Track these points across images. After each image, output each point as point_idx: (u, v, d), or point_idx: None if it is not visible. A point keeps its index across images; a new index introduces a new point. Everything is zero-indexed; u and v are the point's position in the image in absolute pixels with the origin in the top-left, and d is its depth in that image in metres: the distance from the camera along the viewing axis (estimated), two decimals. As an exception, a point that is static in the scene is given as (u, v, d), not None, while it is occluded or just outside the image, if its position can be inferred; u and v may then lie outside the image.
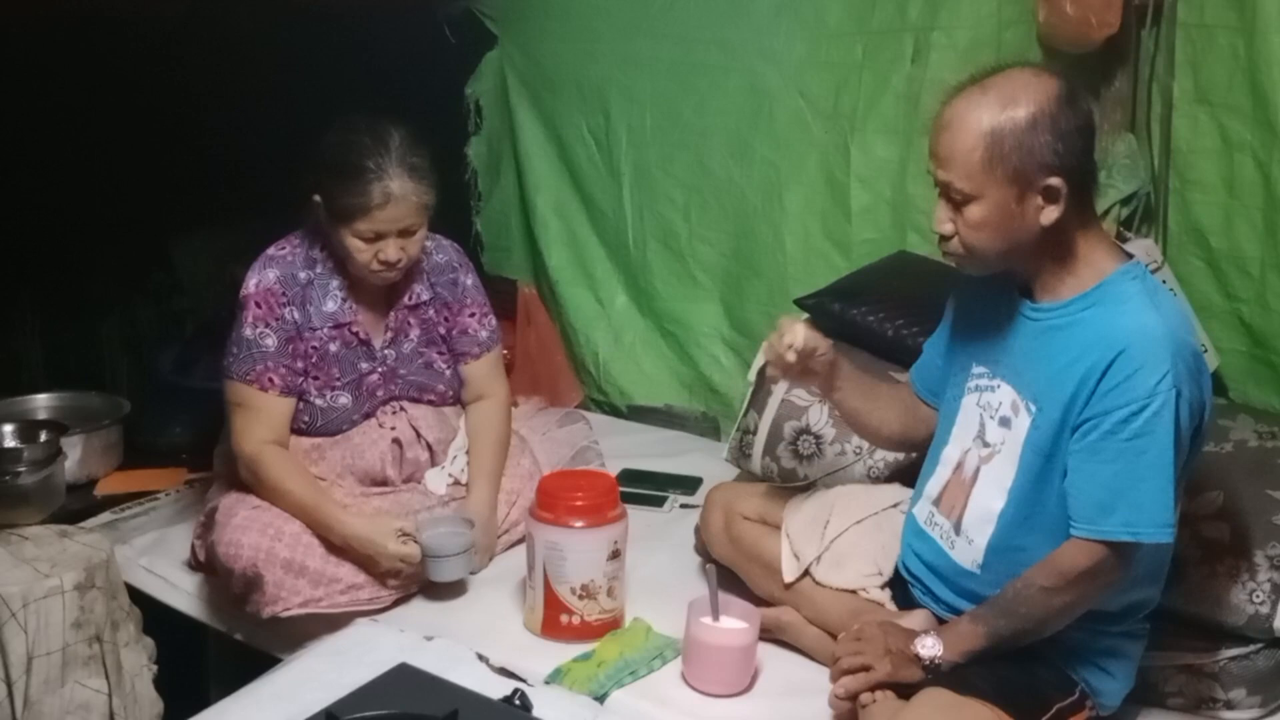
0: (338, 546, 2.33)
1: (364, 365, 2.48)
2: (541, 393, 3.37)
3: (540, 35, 3.41)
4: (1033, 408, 1.85)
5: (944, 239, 1.85)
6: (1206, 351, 2.43)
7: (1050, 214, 1.77)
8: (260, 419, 2.38)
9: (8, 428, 2.70)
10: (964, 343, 2.03)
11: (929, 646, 1.86)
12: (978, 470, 1.95)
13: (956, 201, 1.79)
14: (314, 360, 2.42)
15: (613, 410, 3.46)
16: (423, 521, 2.38)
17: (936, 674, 1.86)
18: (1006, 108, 1.74)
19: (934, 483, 2.04)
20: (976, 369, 1.97)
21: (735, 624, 2.12)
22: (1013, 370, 1.90)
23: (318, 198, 2.34)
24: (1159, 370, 1.72)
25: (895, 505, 2.19)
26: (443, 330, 2.57)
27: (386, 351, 2.50)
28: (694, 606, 2.13)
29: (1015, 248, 1.81)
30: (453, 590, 2.42)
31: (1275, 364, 2.46)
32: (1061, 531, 1.81)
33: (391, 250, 2.33)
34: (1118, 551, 1.76)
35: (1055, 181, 1.75)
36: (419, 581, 2.40)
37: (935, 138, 1.81)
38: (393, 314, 2.50)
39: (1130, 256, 1.86)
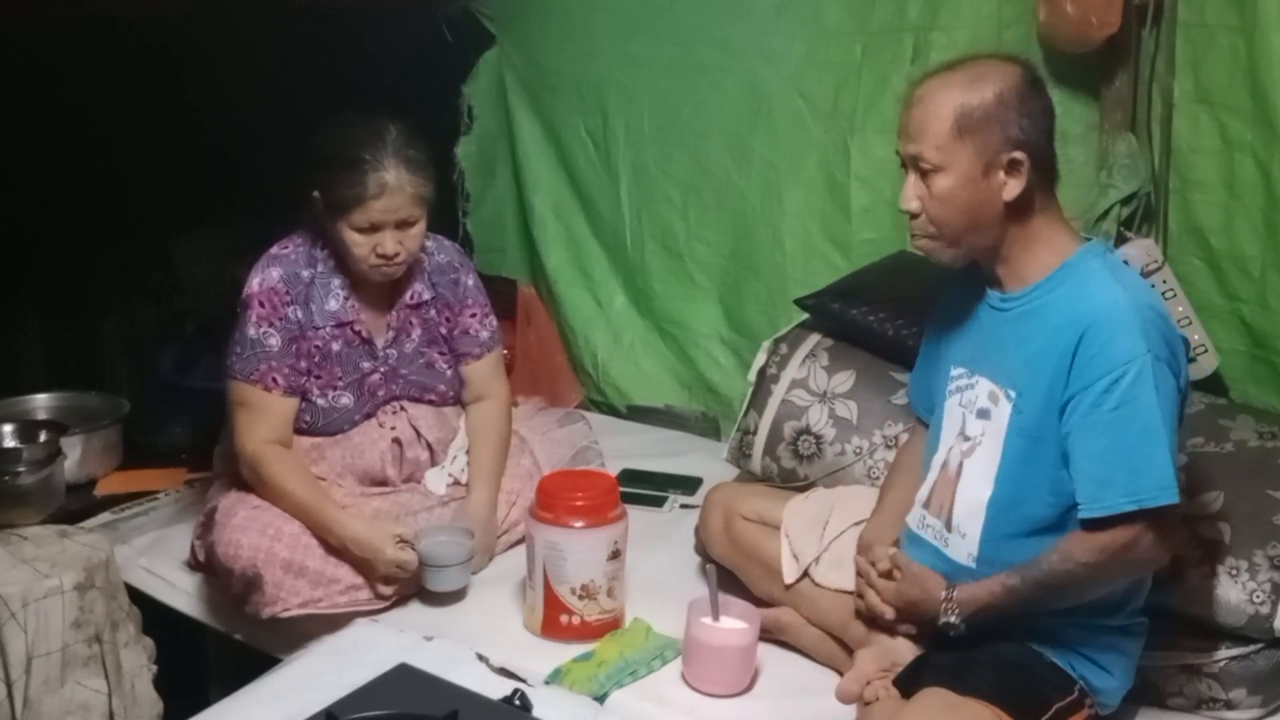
0: (337, 547, 2.33)
1: (366, 365, 2.47)
2: (541, 393, 3.37)
3: (539, 35, 3.41)
4: (1012, 394, 1.88)
5: (912, 217, 1.90)
6: (1206, 352, 2.44)
7: (1013, 189, 1.83)
8: (263, 419, 2.38)
9: (8, 428, 2.70)
10: (942, 349, 2.06)
11: (948, 614, 1.87)
12: (961, 465, 1.96)
13: (925, 173, 1.85)
14: (316, 360, 2.42)
15: (612, 410, 3.46)
16: (423, 530, 2.38)
17: (939, 639, 1.87)
18: (975, 84, 1.83)
19: (924, 487, 2.04)
20: (955, 371, 2.00)
21: (735, 624, 2.12)
22: (989, 364, 1.93)
23: (316, 193, 2.34)
24: (1129, 337, 1.76)
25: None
26: (444, 330, 2.57)
27: (388, 351, 2.50)
28: (694, 606, 2.13)
29: (979, 224, 1.86)
30: (452, 592, 2.42)
31: (1275, 364, 2.46)
32: (1053, 516, 1.83)
33: (389, 243, 2.33)
34: (1136, 521, 1.76)
35: (1019, 155, 1.82)
36: (415, 586, 2.40)
37: (905, 114, 1.88)
38: (394, 313, 2.50)
39: (1088, 239, 1.93)
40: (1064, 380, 1.80)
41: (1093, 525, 1.79)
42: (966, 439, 1.95)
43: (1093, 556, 1.79)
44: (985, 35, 2.69)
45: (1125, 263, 2.12)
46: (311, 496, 2.35)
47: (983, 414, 1.93)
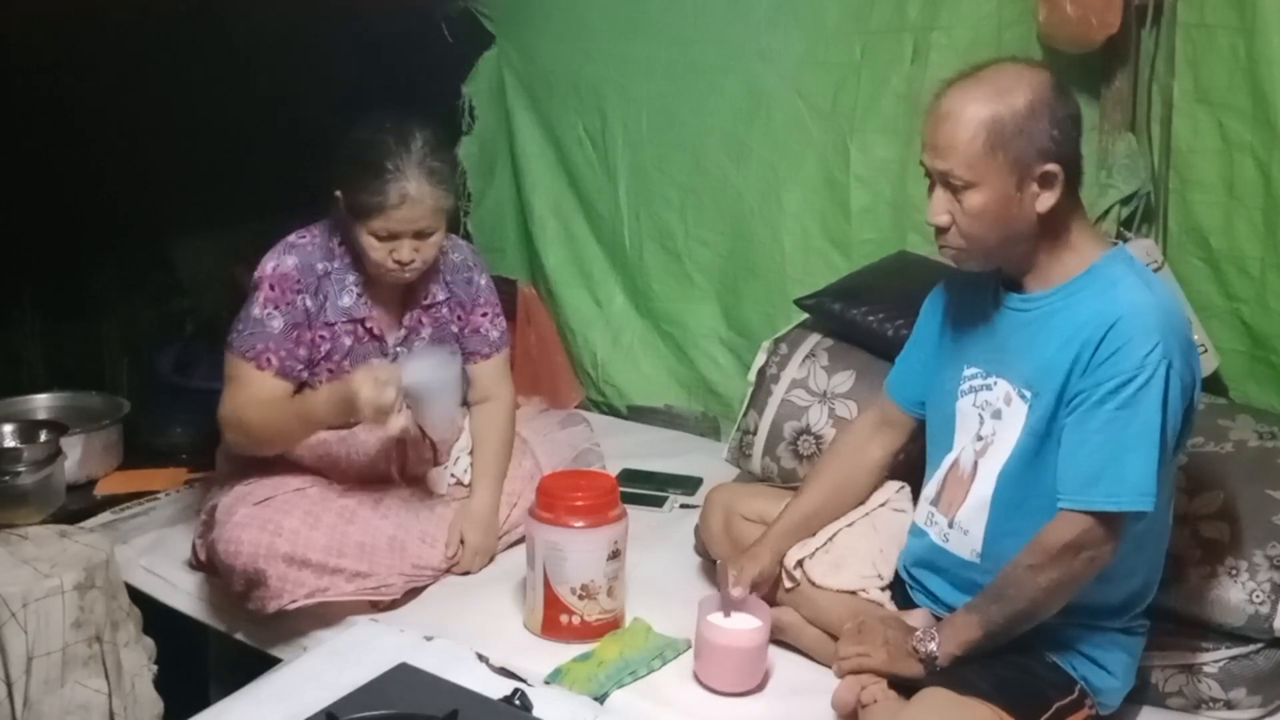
0: (338, 541, 2.33)
1: (375, 361, 2.47)
2: (541, 393, 3.37)
3: (538, 34, 3.41)
4: (1027, 394, 1.87)
5: (940, 231, 1.86)
6: (1206, 351, 2.43)
7: (1047, 200, 1.80)
8: (250, 395, 2.36)
9: (8, 428, 2.70)
10: (950, 347, 2.04)
11: (926, 641, 1.87)
12: (975, 464, 1.96)
13: (956, 188, 1.80)
14: (325, 352, 2.41)
15: (612, 411, 3.46)
16: (404, 359, 2.37)
17: (935, 667, 1.87)
18: (1005, 96, 1.77)
19: (931, 485, 2.04)
20: (969, 370, 1.98)
21: (747, 621, 2.11)
22: (1006, 365, 1.92)
23: (338, 192, 2.34)
24: (1150, 341, 1.74)
25: (884, 504, 2.19)
26: (455, 329, 2.57)
27: (399, 349, 2.50)
28: (705, 604, 2.13)
29: (1012, 236, 1.83)
30: (453, 591, 2.42)
31: (1275, 364, 2.46)
32: (1055, 512, 1.82)
33: (405, 251, 2.32)
34: (1102, 522, 1.77)
35: (1053, 168, 1.78)
36: (425, 579, 2.41)
37: (933, 129, 1.82)
38: (408, 314, 2.49)
39: (1115, 243, 1.89)
40: (1079, 374, 1.79)
41: (1063, 518, 1.79)
42: (980, 439, 1.95)
43: (1039, 558, 1.79)
44: (985, 35, 2.69)
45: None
46: (286, 404, 2.35)
47: (996, 414, 1.92)
